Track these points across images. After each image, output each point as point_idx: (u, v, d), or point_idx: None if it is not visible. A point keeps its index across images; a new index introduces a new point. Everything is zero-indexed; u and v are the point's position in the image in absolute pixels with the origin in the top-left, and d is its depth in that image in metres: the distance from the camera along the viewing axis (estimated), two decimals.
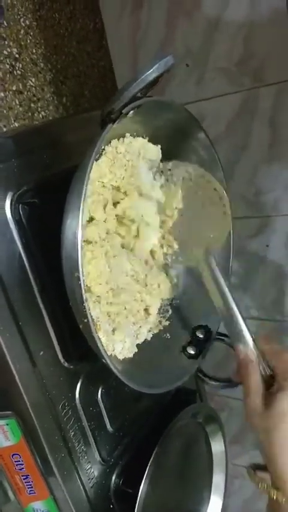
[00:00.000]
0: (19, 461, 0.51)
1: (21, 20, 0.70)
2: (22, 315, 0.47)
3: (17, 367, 0.47)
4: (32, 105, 0.71)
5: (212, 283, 0.51)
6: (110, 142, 0.49)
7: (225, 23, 0.70)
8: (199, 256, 0.52)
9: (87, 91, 0.82)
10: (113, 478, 0.60)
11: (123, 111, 0.42)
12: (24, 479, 0.53)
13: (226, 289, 0.50)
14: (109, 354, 0.50)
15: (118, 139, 0.50)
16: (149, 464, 0.57)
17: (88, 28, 0.82)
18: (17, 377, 0.47)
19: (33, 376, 0.49)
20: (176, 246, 0.58)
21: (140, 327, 0.56)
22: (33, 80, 0.72)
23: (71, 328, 0.47)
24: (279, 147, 0.74)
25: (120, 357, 0.52)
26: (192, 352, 0.54)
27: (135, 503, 0.56)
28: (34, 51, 0.73)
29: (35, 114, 0.71)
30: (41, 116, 0.72)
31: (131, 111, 0.44)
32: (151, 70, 0.38)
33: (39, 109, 0.72)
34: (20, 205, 0.46)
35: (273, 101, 0.72)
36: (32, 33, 0.72)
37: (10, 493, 0.57)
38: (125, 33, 0.79)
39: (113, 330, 0.52)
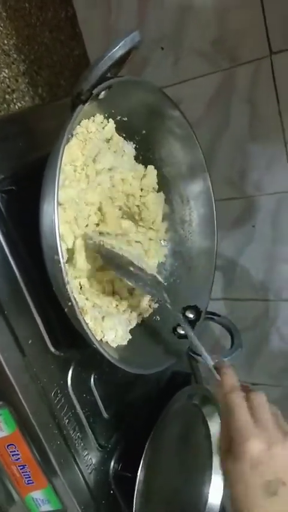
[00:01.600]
0: (15, 451, 0.51)
1: None
2: (7, 304, 0.47)
3: (6, 356, 0.47)
4: (7, 96, 0.70)
5: None
6: (80, 123, 0.49)
7: (198, 3, 0.70)
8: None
9: (63, 80, 0.81)
10: (112, 463, 0.60)
11: (94, 91, 0.41)
12: (21, 469, 0.52)
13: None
14: (99, 339, 0.50)
15: (88, 119, 0.49)
16: (145, 448, 0.57)
17: (60, 17, 0.81)
18: (6, 367, 0.47)
19: (23, 365, 0.49)
20: None
21: (131, 312, 0.56)
22: (6, 71, 0.71)
23: (58, 315, 0.46)
24: (259, 125, 0.74)
25: (114, 345, 0.52)
26: (182, 332, 0.54)
27: (135, 487, 0.56)
28: (6, 42, 0.72)
29: (11, 106, 0.71)
30: (17, 107, 0.72)
31: (102, 92, 0.43)
32: (118, 46, 0.38)
33: (14, 100, 0.71)
34: None
35: (250, 80, 0.72)
36: (2, 24, 0.71)
37: (15, 495, 0.57)
38: (97, 19, 0.78)
39: (103, 317, 0.52)
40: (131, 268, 0.49)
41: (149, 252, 0.58)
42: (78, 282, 0.51)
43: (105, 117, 0.51)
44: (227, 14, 0.69)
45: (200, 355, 0.51)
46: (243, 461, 0.41)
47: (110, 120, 0.52)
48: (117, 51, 0.38)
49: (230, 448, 0.43)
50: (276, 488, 0.40)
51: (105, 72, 0.41)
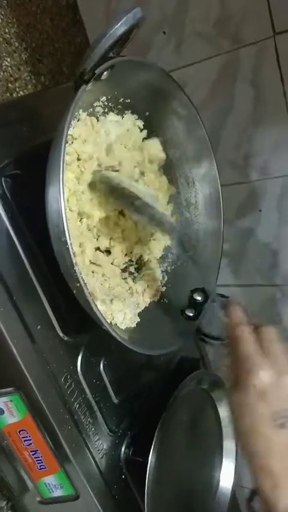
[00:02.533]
0: (26, 436, 0.51)
1: None
2: (15, 290, 0.47)
3: (16, 342, 0.47)
4: (10, 85, 0.70)
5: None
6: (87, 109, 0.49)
7: None
8: None
9: (65, 68, 0.81)
10: (123, 448, 0.60)
11: (97, 71, 0.41)
12: (33, 454, 0.53)
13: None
14: (108, 321, 0.50)
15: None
16: (156, 433, 0.57)
17: (60, 4, 0.81)
18: (16, 352, 0.47)
19: (33, 351, 0.49)
20: None
21: (143, 293, 0.56)
22: (8, 59, 0.70)
23: (67, 300, 0.47)
24: (263, 107, 0.73)
25: (123, 327, 0.52)
26: (190, 314, 0.54)
27: (146, 471, 0.56)
28: (7, 30, 0.71)
29: (14, 94, 0.70)
30: (19, 95, 0.71)
31: (105, 72, 0.43)
32: (119, 23, 0.38)
33: (17, 89, 0.71)
34: (3, 179, 0.45)
35: (254, 61, 0.71)
36: (3, 13, 0.71)
37: (27, 480, 0.57)
38: (98, 5, 0.78)
39: (111, 300, 0.52)
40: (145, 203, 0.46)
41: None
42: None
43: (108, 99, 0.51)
44: None
45: (210, 336, 0.51)
46: (249, 392, 0.39)
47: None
48: (119, 27, 0.38)
49: (237, 380, 0.41)
50: (284, 419, 0.38)
51: (107, 51, 0.40)
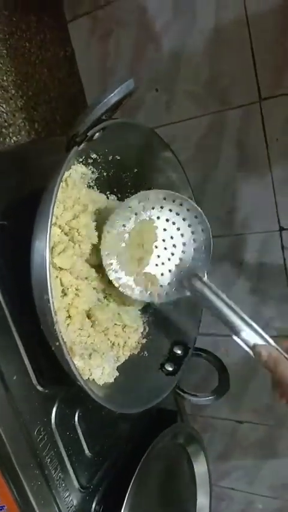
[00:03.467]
0: None
1: None
2: None
3: None
4: (4, 130, 0.72)
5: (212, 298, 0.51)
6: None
7: (191, 48, 0.73)
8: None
9: (58, 116, 0.83)
10: (93, 505, 0.58)
11: (89, 133, 0.43)
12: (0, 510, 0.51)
13: (230, 302, 0.50)
14: (86, 378, 0.50)
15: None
16: (129, 489, 0.56)
17: (59, 56, 0.84)
18: None
19: (6, 401, 0.48)
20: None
21: (121, 348, 0.56)
22: (4, 105, 0.72)
23: (45, 351, 0.46)
24: (246, 167, 0.76)
25: (100, 383, 0.51)
26: (170, 368, 0.54)
27: None
28: (5, 78, 0.74)
29: (7, 140, 0.72)
30: (12, 141, 0.73)
31: (97, 134, 0.45)
32: (113, 94, 0.40)
33: (10, 134, 0.73)
34: None
35: (239, 123, 0.75)
36: (2, 61, 0.74)
37: None
38: (95, 60, 0.82)
39: (90, 355, 0.51)
40: None
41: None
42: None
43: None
44: (219, 59, 0.72)
45: (188, 393, 0.51)
46: None
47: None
48: (113, 97, 0.40)
49: None
50: None
51: (100, 116, 0.42)
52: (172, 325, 0.61)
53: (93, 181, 0.56)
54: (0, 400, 0.47)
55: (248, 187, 0.77)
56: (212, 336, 0.93)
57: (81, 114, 0.41)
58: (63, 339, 0.38)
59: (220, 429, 1.03)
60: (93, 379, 0.49)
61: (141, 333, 0.59)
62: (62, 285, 0.48)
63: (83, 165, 0.53)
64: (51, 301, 0.37)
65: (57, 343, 0.38)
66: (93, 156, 0.52)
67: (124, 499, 0.55)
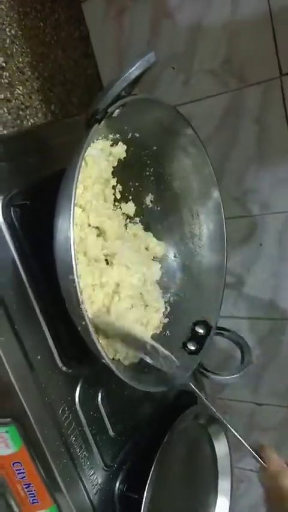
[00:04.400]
0: (20, 469, 0.50)
1: (7, 29, 0.70)
2: (18, 319, 0.47)
3: (15, 371, 0.46)
4: (21, 112, 0.71)
5: None
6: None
7: (208, 24, 0.71)
8: None
9: (75, 98, 0.82)
10: (117, 483, 0.59)
11: (109, 110, 0.42)
12: (26, 488, 0.51)
13: None
14: (111, 357, 0.50)
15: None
16: (152, 469, 0.56)
17: (73, 36, 0.83)
18: (14, 382, 0.46)
19: (32, 381, 0.48)
20: None
21: (144, 327, 0.56)
22: (20, 88, 0.72)
23: (68, 331, 0.46)
24: (266, 145, 0.75)
25: (126, 363, 0.51)
26: (192, 347, 0.54)
27: (141, 508, 0.55)
28: (20, 59, 0.73)
29: (24, 122, 0.71)
30: (29, 123, 0.72)
31: (117, 110, 0.44)
32: (134, 67, 0.39)
33: (27, 117, 0.72)
34: (12, 208, 0.46)
35: (259, 100, 0.73)
36: (17, 42, 0.73)
37: (15, 509, 0.55)
38: (110, 39, 0.80)
39: None
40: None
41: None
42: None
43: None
44: (237, 35, 0.70)
45: (211, 372, 0.51)
46: None
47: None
48: (133, 71, 0.39)
49: None
50: None
51: (120, 92, 0.41)
52: (193, 305, 0.60)
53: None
54: (25, 379, 0.47)
55: (268, 166, 0.76)
56: (229, 318, 0.93)
57: (99, 92, 0.40)
58: (89, 319, 0.37)
59: (239, 411, 1.03)
60: (119, 359, 0.49)
61: (163, 312, 0.59)
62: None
63: (103, 141, 0.52)
64: (76, 281, 0.37)
65: (84, 323, 0.38)
66: (113, 134, 0.52)
67: (148, 479, 0.56)
